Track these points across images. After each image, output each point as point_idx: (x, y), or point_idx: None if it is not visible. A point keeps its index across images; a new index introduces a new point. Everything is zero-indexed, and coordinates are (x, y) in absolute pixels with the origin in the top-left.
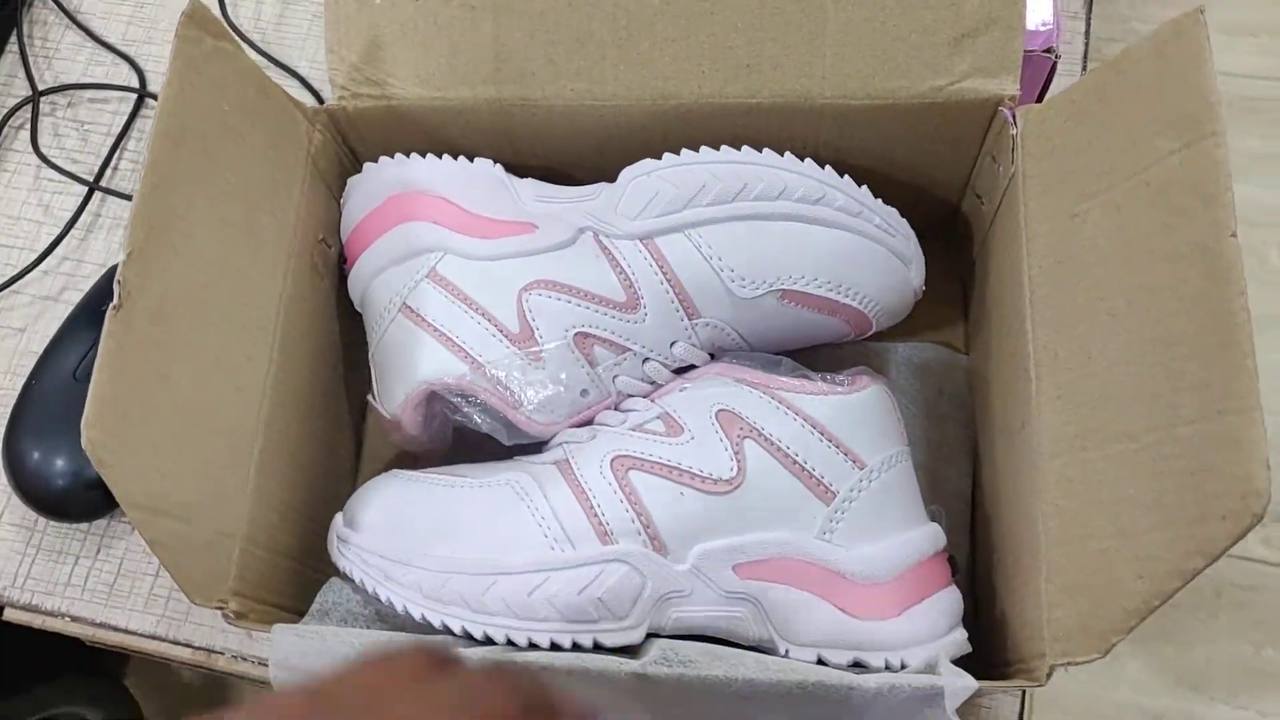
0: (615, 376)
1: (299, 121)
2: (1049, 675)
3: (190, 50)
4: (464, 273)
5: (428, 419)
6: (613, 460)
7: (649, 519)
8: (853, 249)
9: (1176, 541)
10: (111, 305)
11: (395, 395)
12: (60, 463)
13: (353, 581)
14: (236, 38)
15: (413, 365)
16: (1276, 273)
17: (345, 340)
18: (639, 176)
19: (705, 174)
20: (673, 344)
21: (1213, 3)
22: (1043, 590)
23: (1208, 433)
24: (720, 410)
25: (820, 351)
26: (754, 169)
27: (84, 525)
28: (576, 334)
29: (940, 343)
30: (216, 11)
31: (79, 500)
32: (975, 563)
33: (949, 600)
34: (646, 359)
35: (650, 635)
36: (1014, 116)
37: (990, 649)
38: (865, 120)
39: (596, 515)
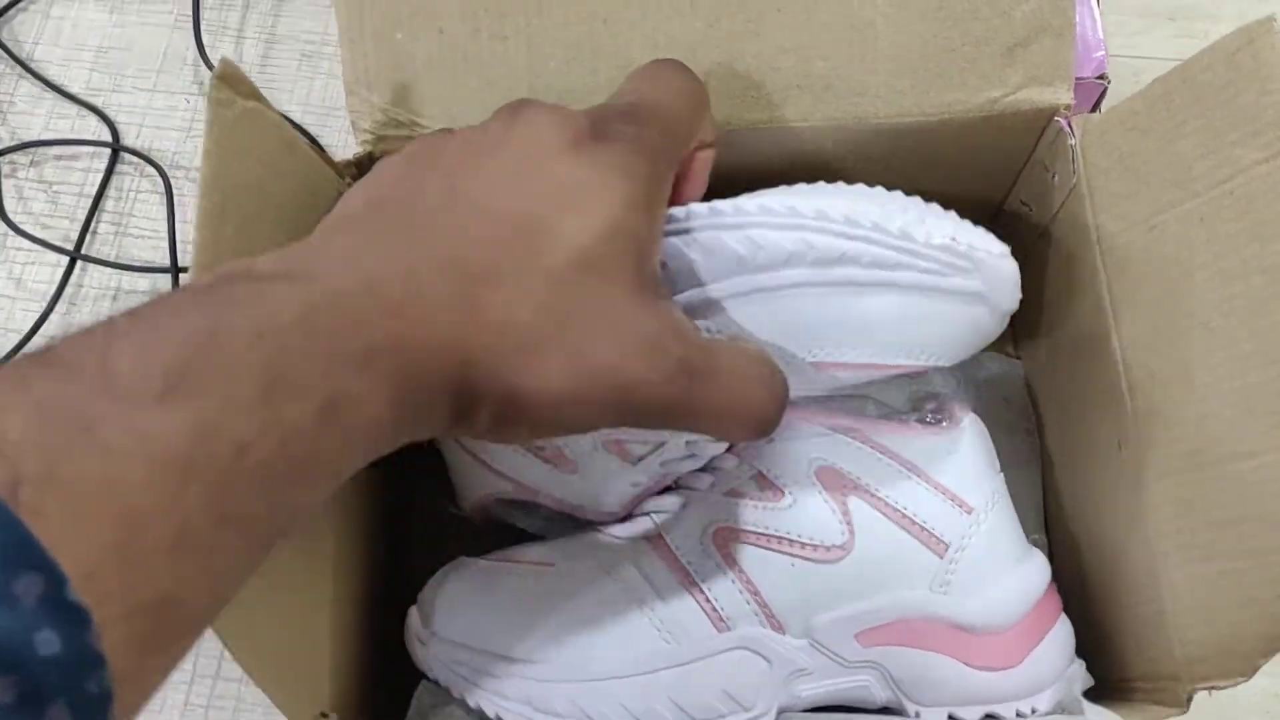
0: (661, 462)
1: (330, 178)
2: (1189, 699)
3: (225, 115)
4: None
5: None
6: (714, 534)
7: (762, 597)
8: (887, 309)
9: None
10: None
11: (464, 499)
12: None
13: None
14: (262, 94)
15: (469, 481)
16: None
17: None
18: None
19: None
20: None
21: None
22: (1168, 612)
23: None
24: (821, 467)
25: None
26: (759, 232)
27: None
28: (603, 439)
29: (994, 349)
30: (194, 55)
31: None
32: (1067, 580)
33: (1065, 634)
34: (687, 439)
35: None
36: (1070, 126)
37: (1106, 673)
38: (919, 136)
39: (707, 598)
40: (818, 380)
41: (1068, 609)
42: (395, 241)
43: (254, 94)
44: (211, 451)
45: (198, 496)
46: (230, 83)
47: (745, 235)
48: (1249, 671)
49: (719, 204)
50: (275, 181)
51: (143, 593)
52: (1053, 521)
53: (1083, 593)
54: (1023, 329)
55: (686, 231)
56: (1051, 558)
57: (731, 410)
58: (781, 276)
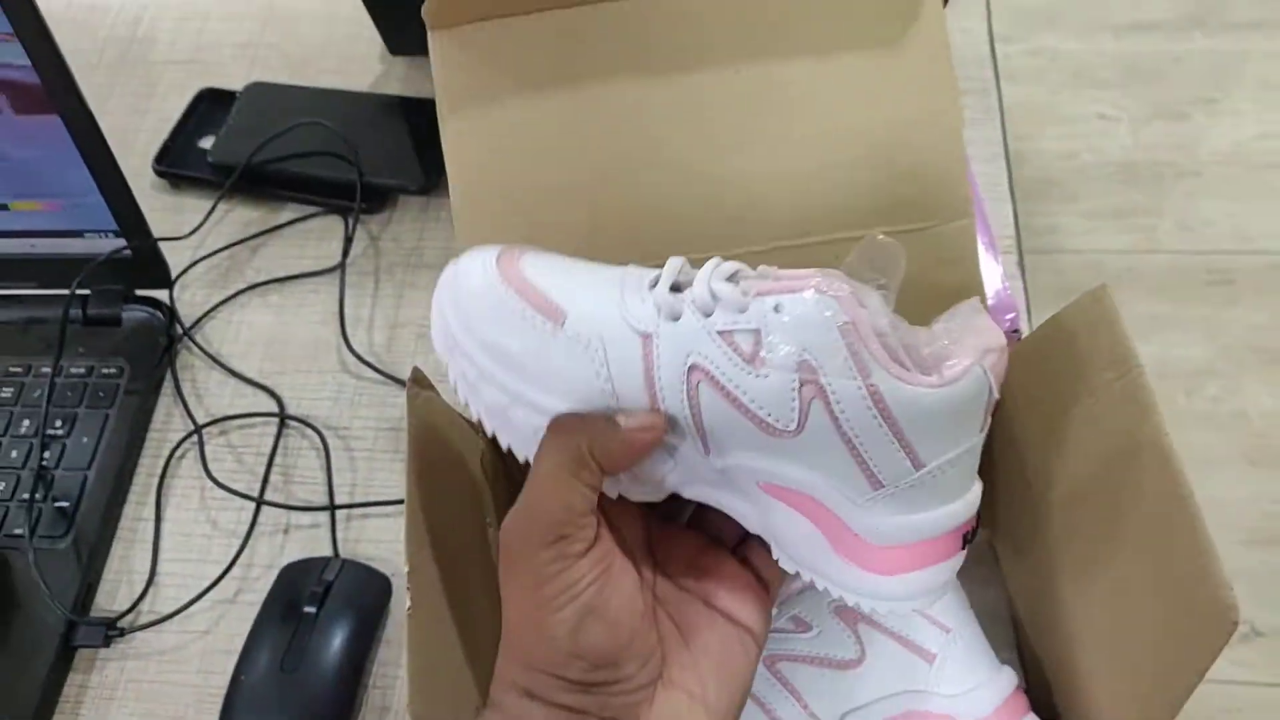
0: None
1: (473, 438)
2: None
3: (417, 406)
4: None
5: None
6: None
7: (800, 698)
8: None
9: (1187, 655)
10: (408, 609)
11: None
12: None
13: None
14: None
15: None
16: (1186, 415)
17: None
18: None
19: None
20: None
21: (1082, 192)
22: (1100, 704)
23: (1189, 576)
24: (837, 607)
25: None
26: None
27: None
28: None
29: None
30: (339, 342)
31: None
32: (1029, 683)
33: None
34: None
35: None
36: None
37: None
38: None
39: (761, 702)
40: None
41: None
42: None
43: (429, 386)
44: None
45: None
46: (419, 382)
47: None
48: None
49: None
50: (446, 444)
51: None
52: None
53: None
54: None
55: None
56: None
57: None
58: None
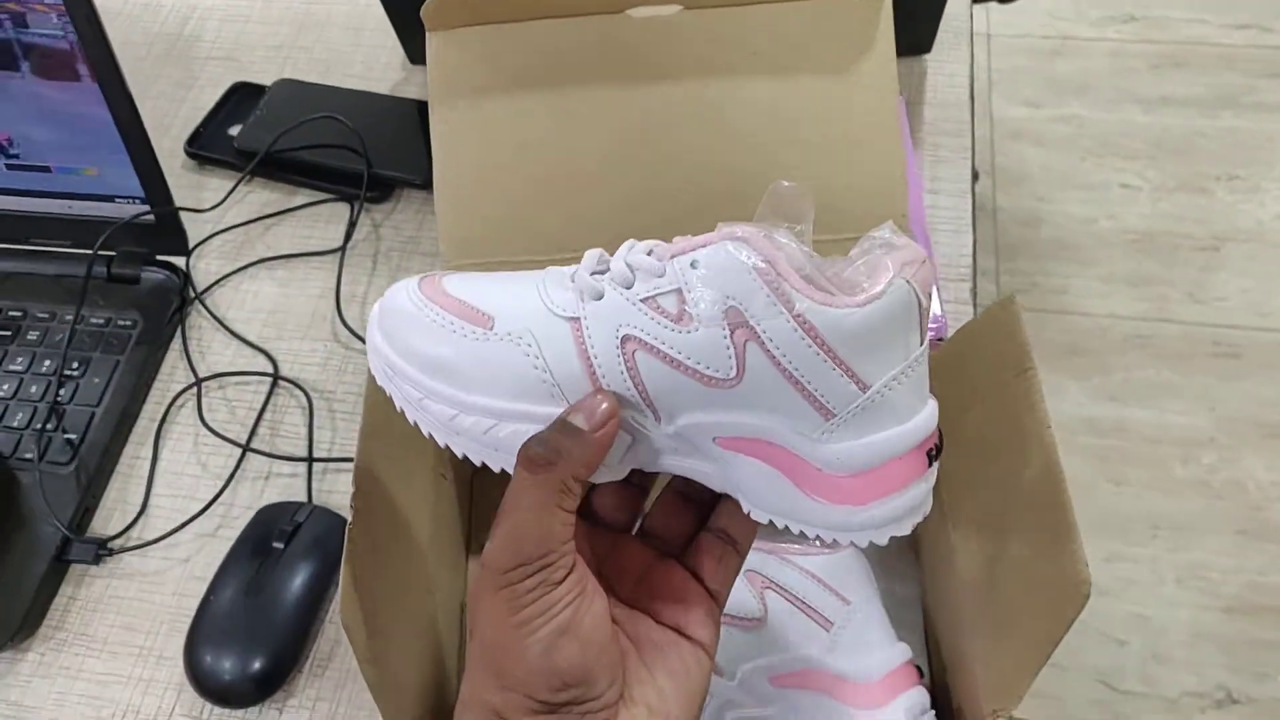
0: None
1: None
2: None
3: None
4: None
5: None
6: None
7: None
8: None
9: (1044, 625)
10: (349, 525)
11: None
12: (229, 662)
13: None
14: None
15: None
16: (1181, 482)
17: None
18: None
19: None
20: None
21: (1099, 257)
22: (975, 674)
23: (1055, 553)
24: (746, 570)
25: None
26: None
27: (241, 712)
28: None
29: None
30: (334, 315)
31: (243, 690)
32: (931, 663)
33: (919, 695)
34: None
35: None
36: None
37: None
38: None
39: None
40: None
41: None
42: None
43: None
44: None
45: None
46: None
47: None
48: (1018, 702)
49: None
50: None
51: None
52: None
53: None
54: None
55: None
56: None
57: None
58: None
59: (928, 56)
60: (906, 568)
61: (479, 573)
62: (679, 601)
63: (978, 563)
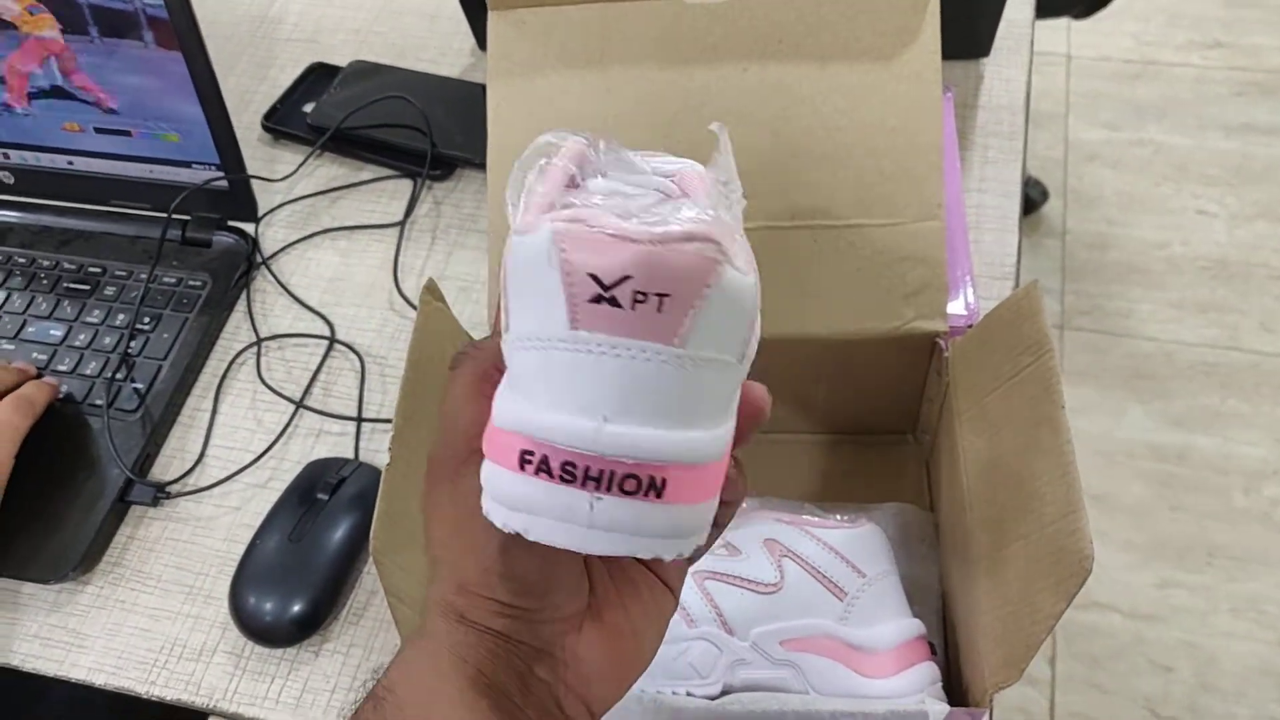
0: None
1: None
2: (990, 697)
3: (426, 309)
4: None
5: None
6: (693, 574)
7: (720, 611)
8: None
9: (1048, 598)
10: (386, 464)
11: None
12: (270, 604)
13: None
14: (447, 301)
15: None
16: (1241, 512)
17: None
18: None
19: None
20: None
21: (1170, 282)
22: (981, 650)
23: (1060, 529)
24: (766, 539)
25: (827, 506)
26: None
27: (279, 651)
28: None
29: (914, 503)
30: (391, 285)
31: (282, 631)
32: (947, 645)
33: (929, 669)
34: None
35: (725, 690)
36: (946, 345)
37: (959, 698)
38: (848, 348)
39: (684, 609)
40: None
41: (949, 665)
42: None
43: (442, 300)
44: None
45: None
46: (431, 291)
47: None
48: (1017, 676)
49: None
50: (446, 347)
51: None
52: (945, 612)
53: (955, 651)
54: (934, 489)
55: None
56: (946, 638)
57: None
58: None
59: (985, 61)
60: (928, 551)
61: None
62: None
63: (990, 541)
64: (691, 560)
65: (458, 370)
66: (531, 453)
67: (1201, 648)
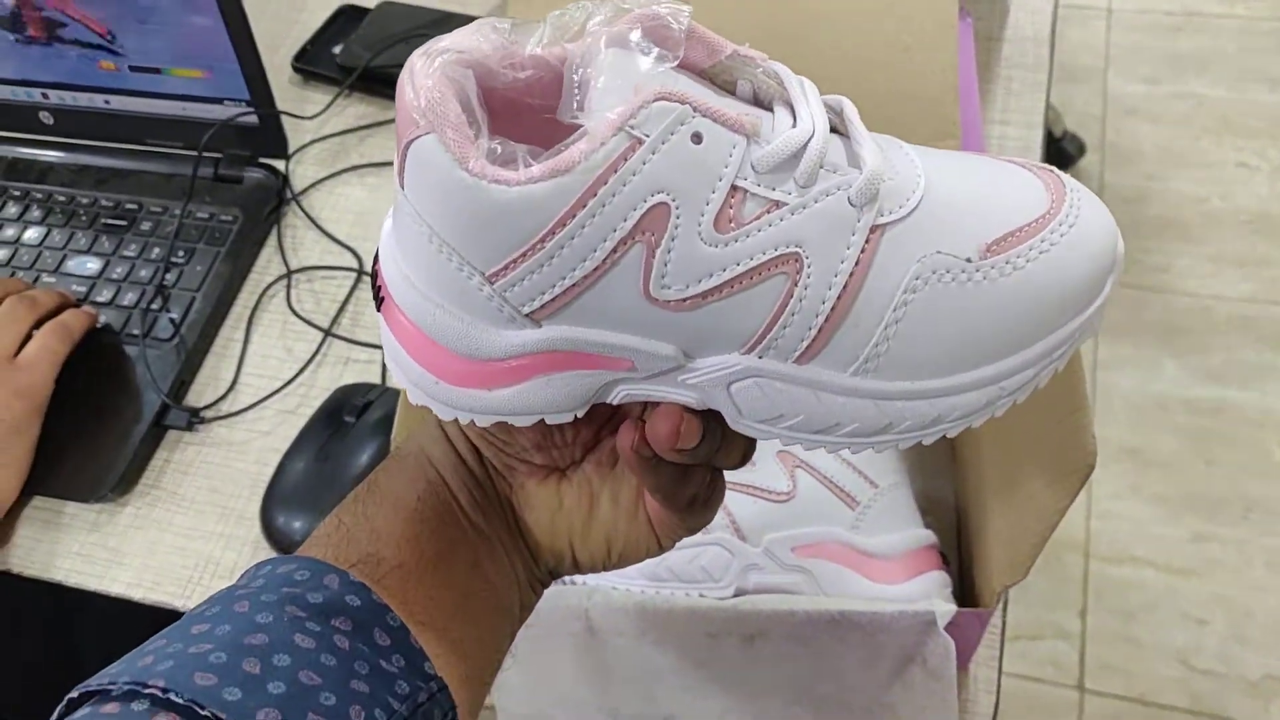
0: None
1: None
2: (998, 598)
3: None
4: None
5: None
6: None
7: (733, 518)
8: None
9: (1053, 495)
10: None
11: None
12: (300, 521)
13: None
14: None
15: None
16: (1276, 466)
17: None
18: None
19: None
20: None
21: (1208, 237)
22: (989, 552)
23: (1066, 427)
24: (779, 451)
25: None
26: None
27: None
28: None
29: None
30: None
31: None
32: (961, 558)
33: (940, 576)
34: None
35: (738, 593)
36: None
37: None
38: None
39: None
40: None
41: (963, 574)
42: None
43: None
44: None
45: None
46: None
47: None
48: (1023, 574)
49: None
50: None
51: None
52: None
53: (968, 558)
54: None
55: None
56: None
57: None
58: None
59: None
60: (942, 466)
61: None
62: None
63: (999, 447)
64: (693, 528)
65: None
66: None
67: (1235, 601)
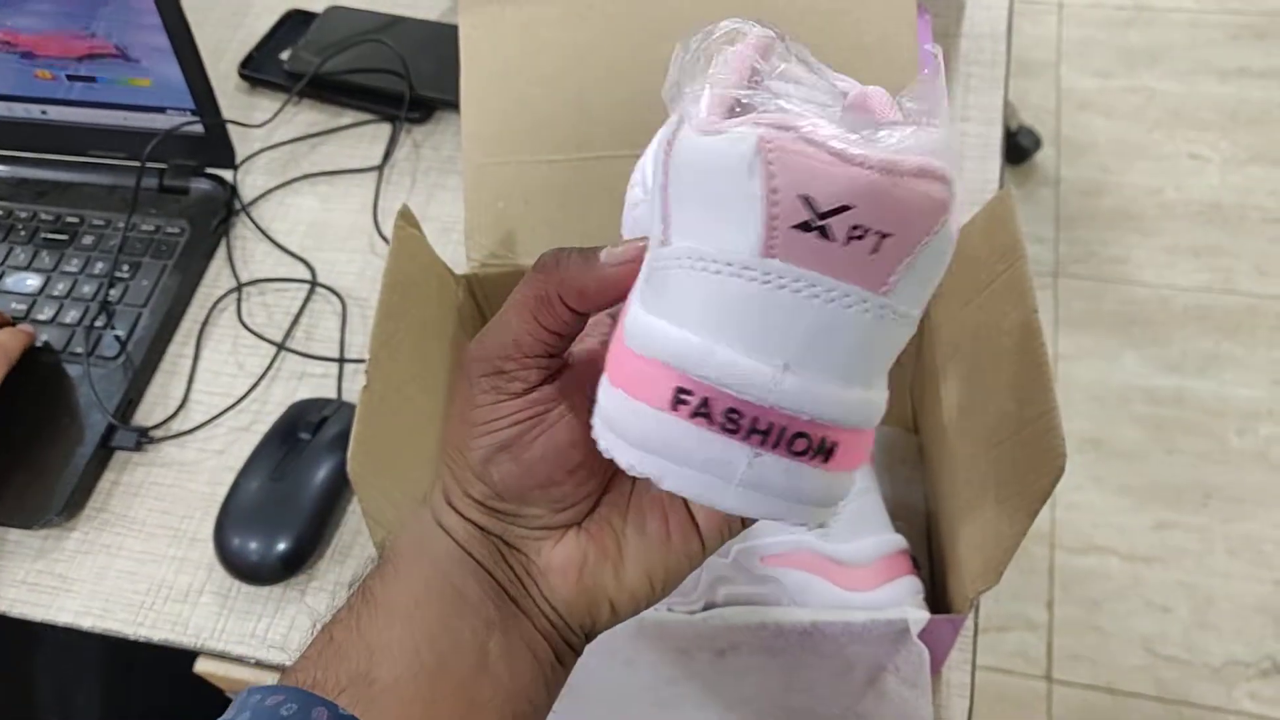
0: None
1: (450, 283)
2: (971, 604)
3: (401, 235)
4: None
5: None
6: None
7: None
8: None
9: (1024, 499)
10: (363, 387)
11: None
12: (255, 542)
13: None
14: (421, 228)
15: None
16: (1237, 453)
17: None
18: None
19: None
20: None
21: (1163, 228)
22: (962, 558)
23: (1035, 430)
24: None
25: None
26: None
27: (266, 590)
28: None
29: (898, 426)
30: (372, 228)
31: (267, 569)
32: (932, 564)
33: (911, 582)
34: None
35: (707, 606)
36: None
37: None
38: None
39: None
40: None
41: (934, 581)
42: None
43: (416, 225)
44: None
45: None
46: (405, 218)
47: None
48: (996, 579)
49: None
50: (423, 277)
51: None
52: (930, 530)
53: (939, 566)
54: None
55: None
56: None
57: None
58: None
59: None
60: (912, 473)
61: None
62: None
63: (969, 450)
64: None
65: (523, 281)
66: (689, 392)
67: (1199, 588)
